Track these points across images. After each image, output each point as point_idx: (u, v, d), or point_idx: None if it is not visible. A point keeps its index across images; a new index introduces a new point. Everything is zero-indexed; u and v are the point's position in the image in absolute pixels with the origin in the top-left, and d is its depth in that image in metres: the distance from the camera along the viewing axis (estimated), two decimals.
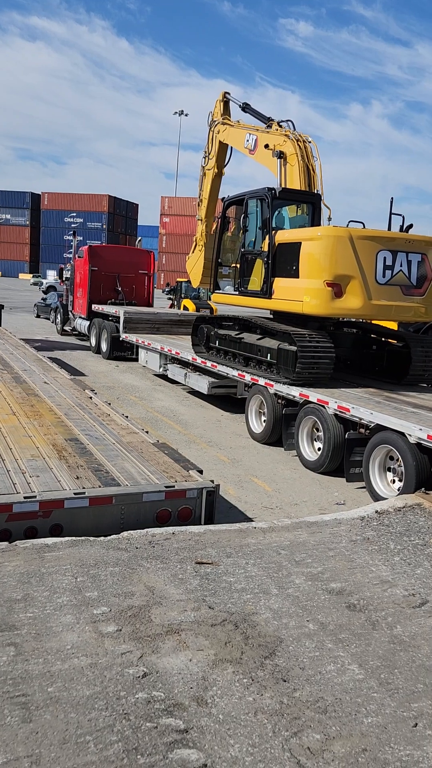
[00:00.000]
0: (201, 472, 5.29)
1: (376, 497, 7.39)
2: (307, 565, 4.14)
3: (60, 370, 9.40)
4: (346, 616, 3.54)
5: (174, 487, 4.83)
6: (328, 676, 3.00)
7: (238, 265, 10.80)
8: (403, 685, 2.97)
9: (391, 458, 7.66)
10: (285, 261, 9.44)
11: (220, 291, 11.57)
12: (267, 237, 9.82)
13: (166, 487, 4.81)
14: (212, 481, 5.05)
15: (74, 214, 49.59)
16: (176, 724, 2.58)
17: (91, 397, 7.70)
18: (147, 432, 6.40)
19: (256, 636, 3.27)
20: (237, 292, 10.86)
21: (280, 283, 9.62)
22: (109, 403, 7.56)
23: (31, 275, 55.88)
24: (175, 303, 24.34)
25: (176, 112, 65.83)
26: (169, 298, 26.24)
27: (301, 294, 9.07)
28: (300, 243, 9.15)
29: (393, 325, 14.00)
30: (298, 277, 9.16)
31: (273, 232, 9.76)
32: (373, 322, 12.74)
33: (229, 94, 12.46)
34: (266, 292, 9.78)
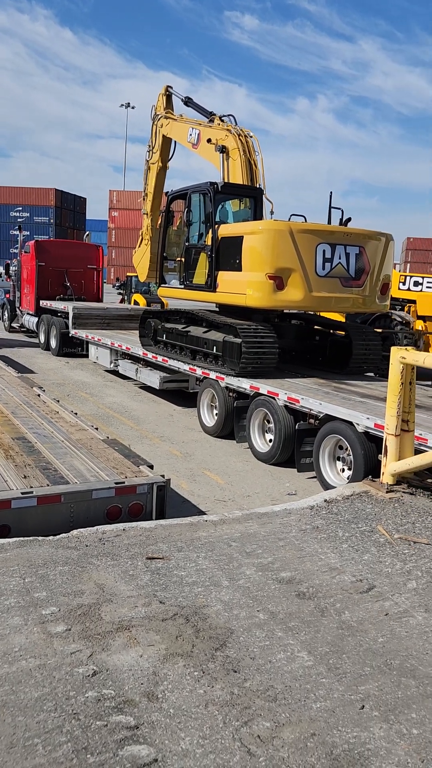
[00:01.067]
0: (151, 467, 5.27)
1: (327, 486, 7.52)
2: (258, 555, 4.18)
3: (7, 368, 9.20)
4: (296, 605, 3.59)
5: (124, 483, 4.80)
6: (278, 664, 3.03)
7: (183, 259, 10.89)
8: (350, 669, 3.04)
9: (341, 447, 7.80)
10: (228, 255, 9.57)
11: (166, 285, 11.66)
12: (210, 231, 9.93)
13: (116, 483, 4.77)
14: (163, 476, 5.04)
15: (20, 209, 48.48)
16: (126, 721, 2.57)
17: (39, 395, 7.57)
18: (97, 429, 6.34)
19: (207, 628, 3.29)
20: (182, 286, 10.96)
21: (223, 277, 9.74)
22: (58, 401, 7.45)
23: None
24: (126, 298, 24.13)
25: (123, 105, 65.07)
26: (120, 293, 26.00)
27: (244, 287, 9.22)
28: (242, 237, 9.30)
29: (340, 317, 14.29)
30: (240, 270, 9.31)
31: (216, 226, 9.87)
32: (320, 314, 12.98)
33: (171, 87, 12.46)
34: (211, 285, 9.91)
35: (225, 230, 9.78)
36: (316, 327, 11.24)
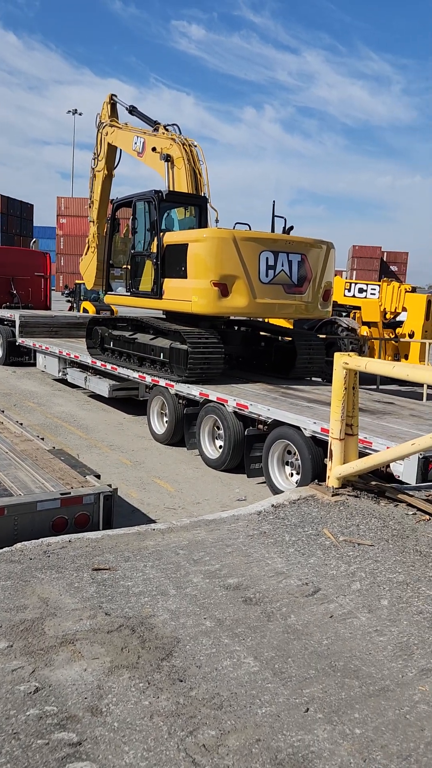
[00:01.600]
0: (99, 477, 5.21)
1: (276, 491, 7.58)
2: (205, 563, 4.17)
3: None
4: (243, 611, 3.60)
5: (69, 494, 4.73)
6: (224, 671, 3.03)
7: (129, 267, 10.98)
8: (296, 672, 3.06)
9: (289, 452, 7.89)
10: (173, 262, 9.69)
11: (113, 292, 11.72)
12: (155, 239, 10.03)
13: (62, 494, 4.70)
14: (110, 485, 4.99)
15: None
16: (69, 738, 2.52)
17: None
18: (43, 439, 6.23)
19: (153, 638, 3.26)
20: (129, 293, 11.05)
21: (169, 284, 9.84)
22: (2, 411, 7.29)
23: None
24: (75, 305, 23.84)
25: (70, 111, 64.42)
26: (68, 301, 25.67)
27: (189, 294, 9.34)
28: (187, 245, 9.44)
29: (288, 323, 14.49)
30: (186, 277, 9.43)
31: (161, 233, 9.97)
32: (268, 320, 13.18)
33: (116, 96, 12.53)
34: (157, 292, 10.01)
35: (170, 238, 9.89)
36: (261, 333, 11.47)
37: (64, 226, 47.99)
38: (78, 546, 4.32)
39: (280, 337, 11.15)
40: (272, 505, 5.17)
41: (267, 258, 9.19)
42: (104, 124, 12.39)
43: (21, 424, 6.73)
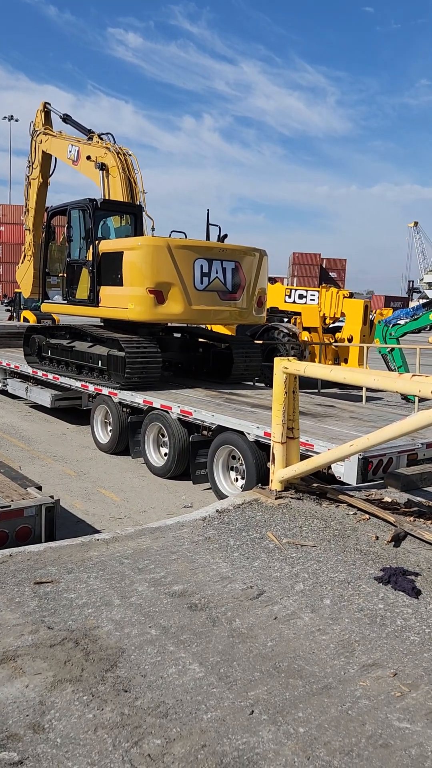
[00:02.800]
0: (40, 488, 5.12)
1: (221, 497, 7.62)
2: (150, 571, 4.15)
3: None
4: (188, 617, 3.60)
5: (9, 506, 4.63)
6: (169, 679, 3.02)
7: (66, 275, 11.02)
8: (241, 676, 3.08)
9: (234, 457, 7.95)
10: (109, 270, 9.80)
11: (50, 300, 11.75)
12: (91, 247, 10.12)
13: (1, 507, 4.59)
14: (52, 497, 4.91)
15: None
16: (10, 757, 2.46)
17: None
18: None
19: (98, 650, 3.22)
20: (66, 302, 11.10)
21: (105, 291, 9.96)
22: None
23: None
24: (15, 315, 23.36)
25: (6, 117, 63.32)
26: (8, 310, 25.15)
27: (125, 301, 9.48)
28: (122, 252, 9.58)
29: (231, 330, 14.62)
30: (122, 285, 9.60)
31: (97, 242, 10.06)
32: (211, 327, 13.33)
33: (49, 104, 12.61)
34: (93, 300, 10.11)
35: (105, 246, 10.00)
36: (200, 339, 11.71)
37: (3, 233, 47.06)
38: (19, 560, 4.23)
39: (217, 344, 11.36)
40: (217, 511, 5.19)
41: (201, 265, 9.41)
42: (38, 132, 12.44)
43: None
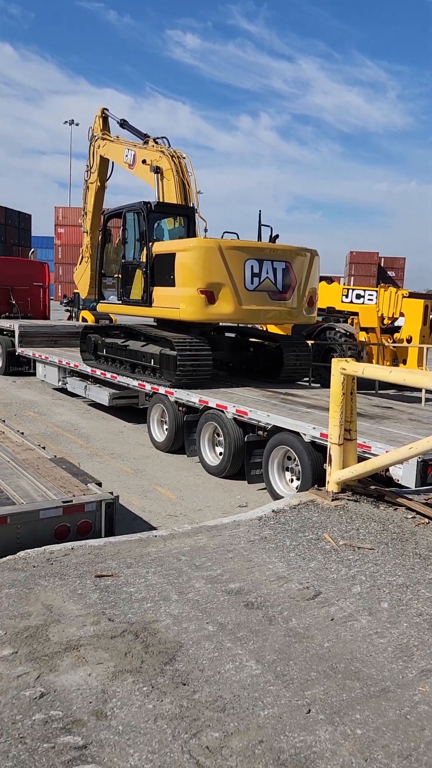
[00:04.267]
0: (100, 484, 5.25)
1: (276, 497, 7.62)
2: (207, 568, 4.21)
3: None
4: (244, 615, 3.64)
5: (71, 501, 4.77)
6: (226, 675, 3.07)
7: (121, 276, 11.23)
8: (297, 675, 3.10)
9: (289, 458, 7.93)
10: (162, 271, 9.95)
11: (105, 301, 12.05)
12: (145, 248, 10.30)
13: (64, 502, 4.74)
14: (111, 493, 5.04)
15: None
16: (74, 741, 2.56)
17: None
18: (44, 448, 6.28)
19: (156, 643, 3.30)
20: (120, 302, 11.32)
21: (158, 292, 10.11)
22: (3, 420, 7.34)
23: None
24: (74, 315, 23.90)
25: (67, 122, 64.70)
26: (67, 310, 25.75)
27: (177, 301, 9.59)
28: (174, 254, 9.70)
29: (287, 330, 14.59)
30: (174, 285, 9.71)
31: (150, 243, 10.23)
32: (266, 327, 13.37)
33: (107, 110, 12.99)
34: (146, 300, 10.28)
35: (159, 247, 10.17)
36: (250, 339, 11.75)
37: (62, 235, 48.20)
38: (80, 553, 4.36)
39: (268, 343, 11.42)
40: (273, 511, 5.21)
41: (252, 266, 9.46)
42: (96, 138, 12.79)
43: (22, 433, 6.77)
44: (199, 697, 2.89)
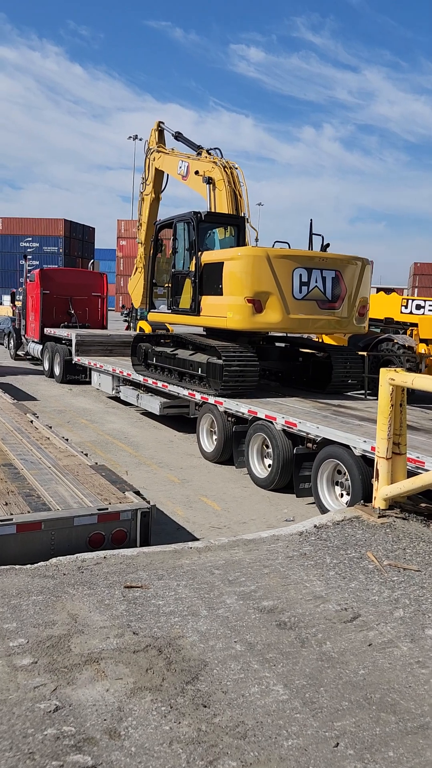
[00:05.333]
0: (138, 493, 5.16)
1: (325, 512, 7.34)
2: (241, 584, 4.04)
3: (3, 395, 9.18)
4: (276, 635, 3.45)
5: (107, 509, 4.70)
6: (251, 698, 2.89)
7: (170, 285, 11.25)
8: (327, 703, 2.89)
9: (339, 472, 7.65)
10: (210, 280, 9.90)
11: (156, 310, 12.12)
12: (194, 258, 10.28)
13: (99, 510, 4.67)
14: (148, 502, 4.94)
15: (30, 239, 49.20)
16: (84, 761, 2.44)
17: (31, 421, 7.52)
18: (87, 455, 6.25)
19: (180, 661, 3.15)
20: (170, 311, 11.30)
21: (207, 301, 10.07)
22: (50, 427, 7.39)
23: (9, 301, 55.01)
24: (132, 325, 24.18)
25: (131, 137, 66.16)
26: (126, 320, 26.10)
27: (225, 310, 9.50)
28: (223, 263, 9.65)
29: (343, 340, 14.26)
30: (222, 294, 9.64)
31: (199, 253, 10.20)
32: (323, 338, 13.11)
33: (163, 123, 13.22)
34: (195, 309, 10.24)
35: (207, 257, 10.15)
36: (301, 349, 11.53)
37: (124, 247, 49.10)
38: (113, 563, 4.27)
39: (317, 353, 11.20)
40: (315, 526, 4.99)
41: (300, 275, 9.32)
42: (152, 150, 13.02)
43: (66, 440, 6.79)
44: (220, 721, 2.73)
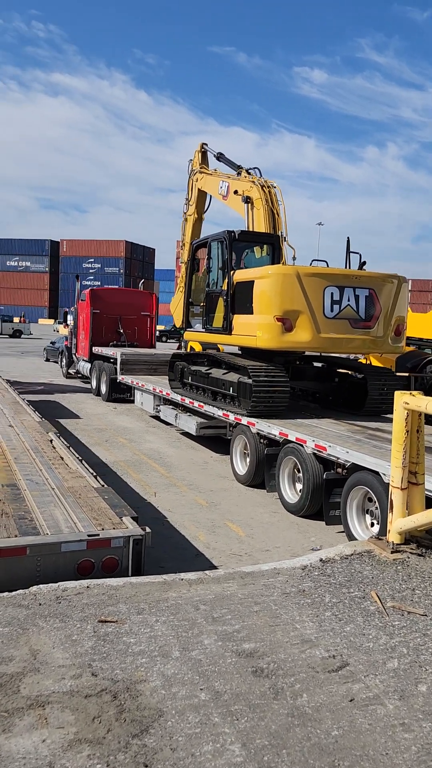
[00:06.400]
0: (136, 518, 4.94)
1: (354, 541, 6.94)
2: (225, 622, 3.74)
3: (32, 413, 9.20)
4: (248, 683, 3.13)
5: (98, 535, 4.50)
6: (200, 759, 2.59)
7: (205, 304, 11.23)
8: None
9: (369, 500, 7.22)
10: (242, 298, 9.75)
11: (191, 329, 12.06)
12: (227, 277, 10.18)
13: (89, 535, 4.48)
14: (144, 528, 4.71)
15: (92, 260, 50.53)
16: None
17: (51, 440, 7.46)
18: (97, 476, 6.10)
19: (134, 709, 2.89)
20: (204, 330, 11.22)
21: (238, 320, 9.92)
22: (69, 446, 7.30)
23: (53, 320, 56.99)
24: (182, 344, 24.23)
25: (190, 160, 67.17)
26: (177, 339, 26.20)
27: (254, 329, 9.32)
28: (253, 281, 9.47)
29: (390, 362, 13.71)
30: (252, 313, 9.45)
31: (232, 271, 10.09)
32: (363, 360, 12.67)
33: (206, 144, 13.46)
34: (227, 328, 10.11)
35: (239, 275, 10.02)
36: (336, 369, 11.22)
37: (181, 268, 49.67)
38: (94, 593, 4.05)
39: (354, 374, 10.81)
40: (320, 560, 4.63)
41: (332, 293, 9.05)
42: (195, 171, 13.16)
43: (81, 459, 6.66)
44: None
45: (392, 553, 4.60)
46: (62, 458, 6.59)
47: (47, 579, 4.28)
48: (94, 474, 6.09)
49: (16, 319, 50.52)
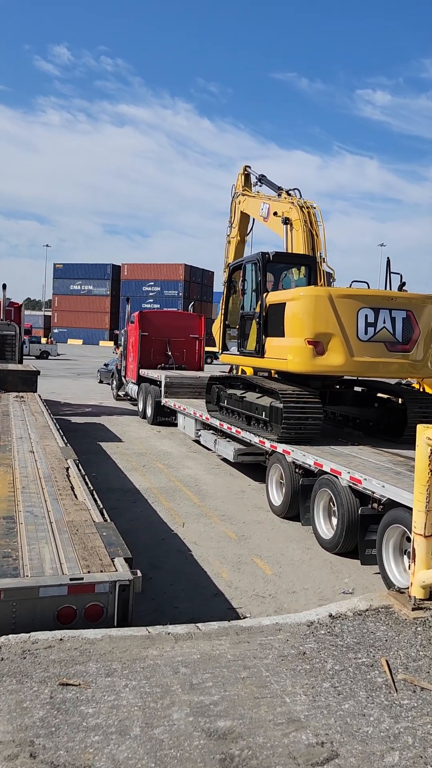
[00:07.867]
0: (129, 560, 4.51)
1: (390, 585, 6.29)
2: (203, 691, 3.24)
3: (58, 438, 8.97)
4: None
5: (81, 579, 4.09)
6: None
7: (239, 327, 11.01)
8: None
9: (408, 539, 6.55)
10: (274, 321, 9.49)
11: (228, 352, 11.80)
12: (260, 299, 9.92)
13: (71, 579, 4.07)
14: (135, 572, 4.27)
15: (152, 283, 51.17)
16: None
17: (68, 467, 7.17)
18: (102, 510, 5.72)
19: None
20: (238, 353, 10.95)
21: (271, 343, 9.61)
22: (84, 475, 6.98)
23: (113, 343, 58.01)
24: (233, 367, 23.85)
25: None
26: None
27: (285, 352, 8.99)
28: (285, 303, 9.14)
29: None
30: (283, 336, 9.11)
31: (264, 294, 9.83)
32: (416, 384, 11.97)
33: (249, 167, 13.25)
34: (259, 351, 9.79)
35: (272, 297, 9.75)
36: (376, 394, 10.67)
37: None
38: (66, 647, 3.64)
39: (394, 398, 10.16)
40: (330, 615, 4.07)
41: (366, 315, 8.60)
42: (238, 194, 13.04)
43: (92, 491, 6.32)
44: None
45: (413, 610, 3.99)
46: (72, 488, 6.27)
47: (23, 627, 3.90)
48: (101, 507, 5.72)
49: (43, 341, 51.03)
